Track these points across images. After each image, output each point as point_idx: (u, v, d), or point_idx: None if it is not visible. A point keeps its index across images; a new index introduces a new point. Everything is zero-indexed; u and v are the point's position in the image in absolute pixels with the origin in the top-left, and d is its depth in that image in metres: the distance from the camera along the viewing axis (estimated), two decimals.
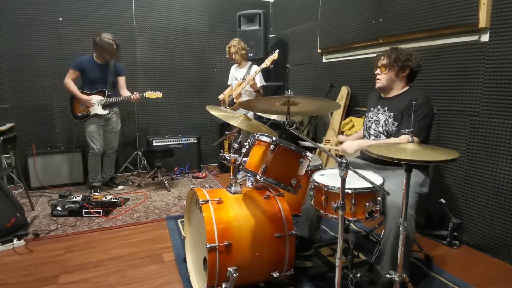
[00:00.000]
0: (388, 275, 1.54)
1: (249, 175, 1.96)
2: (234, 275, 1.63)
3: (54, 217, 2.88)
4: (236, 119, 1.98)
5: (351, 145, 2.03)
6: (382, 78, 2.06)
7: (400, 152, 1.36)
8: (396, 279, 1.51)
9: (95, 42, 3.24)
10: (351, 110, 3.49)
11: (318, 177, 1.76)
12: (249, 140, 1.82)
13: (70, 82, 3.31)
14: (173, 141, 4.28)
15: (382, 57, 2.07)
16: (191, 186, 1.93)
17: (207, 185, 3.92)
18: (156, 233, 2.63)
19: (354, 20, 3.33)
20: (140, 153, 4.27)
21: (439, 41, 2.58)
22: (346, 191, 1.45)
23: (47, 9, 3.75)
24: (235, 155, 1.97)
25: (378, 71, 2.08)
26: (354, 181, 1.60)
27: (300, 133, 1.54)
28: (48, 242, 2.47)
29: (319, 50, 3.95)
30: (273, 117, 2.44)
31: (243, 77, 3.48)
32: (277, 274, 1.78)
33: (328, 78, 3.82)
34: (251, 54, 4.05)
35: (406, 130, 1.88)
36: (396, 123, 1.99)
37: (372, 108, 2.18)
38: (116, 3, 4.04)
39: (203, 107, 2.54)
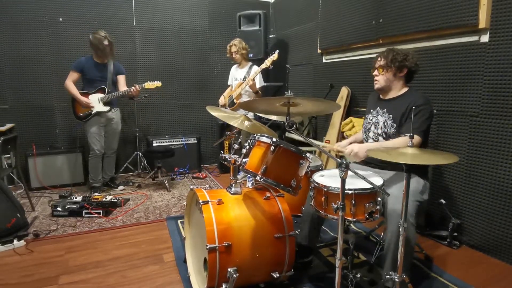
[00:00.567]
0: (388, 276, 1.54)
1: (249, 175, 1.96)
2: (234, 275, 1.63)
3: (55, 218, 2.89)
4: (236, 119, 1.98)
5: (360, 148, 1.91)
6: (380, 79, 2.05)
7: (400, 156, 1.36)
8: (396, 279, 1.51)
9: (90, 40, 3.27)
10: (351, 110, 3.50)
11: (318, 177, 1.76)
12: (249, 141, 1.82)
13: (70, 84, 3.31)
14: (173, 141, 4.28)
15: (379, 58, 2.06)
16: (191, 187, 1.94)
17: (207, 186, 3.92)
18: (156, 234, 2.63)
19: (354, 21, 3.33)
20: (140, 153, 4.27)
21: (439, 42, 2.58)
22: (346, 191, 1.45)
23: (47, 10, 3.75)
24: (235, 155, 1.97)
25: (376, 72, 2.07)
26: (354, 182, 1.61)
27: (301, 134, 1.54)
28: (48, 242, 2.47)
29: (319, 51, 3.95)
30: (273, 117, 2.44)
31: (243, 78, 3.48)
32: (277, 275, 1.78)
33: (328, 78, 3.82)
34: (251, 55, 4.05)
35: (406, 134, 1.86)
36: (395, 125, 1.98)
37: (371, 110, 2.16)
38: (116, 3, 4.05)
39: (203, 108, 2.55)
